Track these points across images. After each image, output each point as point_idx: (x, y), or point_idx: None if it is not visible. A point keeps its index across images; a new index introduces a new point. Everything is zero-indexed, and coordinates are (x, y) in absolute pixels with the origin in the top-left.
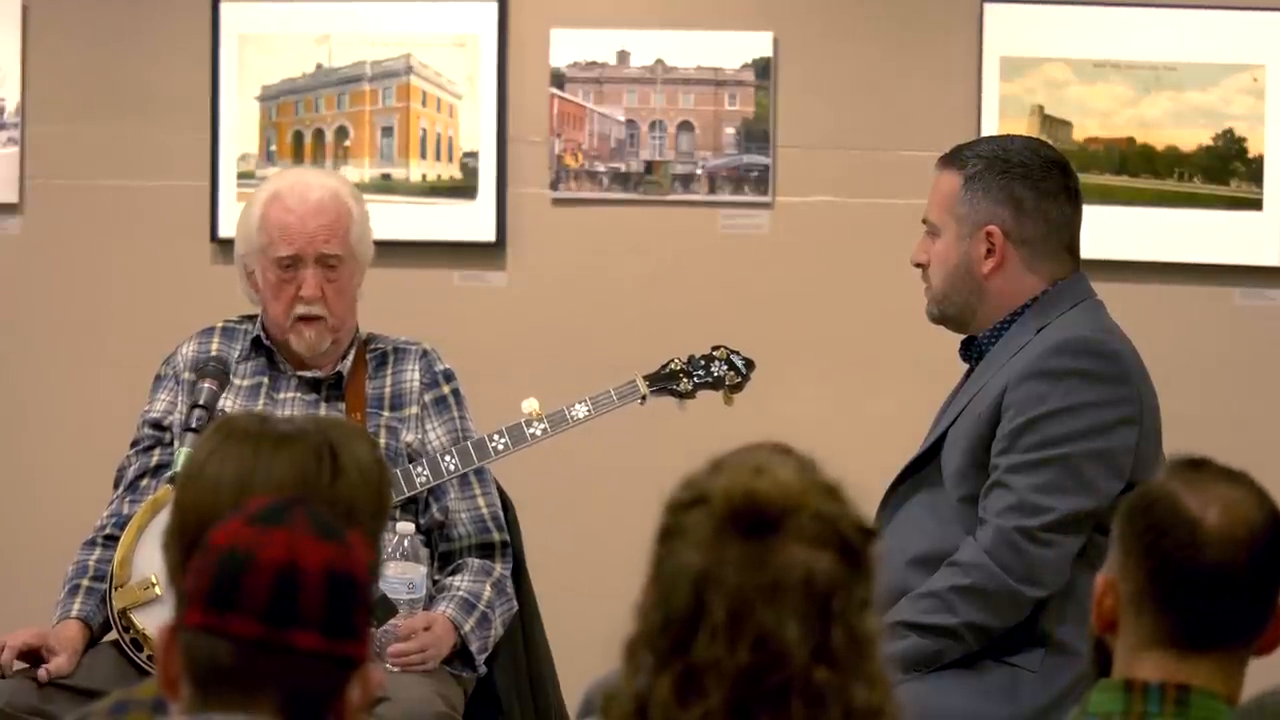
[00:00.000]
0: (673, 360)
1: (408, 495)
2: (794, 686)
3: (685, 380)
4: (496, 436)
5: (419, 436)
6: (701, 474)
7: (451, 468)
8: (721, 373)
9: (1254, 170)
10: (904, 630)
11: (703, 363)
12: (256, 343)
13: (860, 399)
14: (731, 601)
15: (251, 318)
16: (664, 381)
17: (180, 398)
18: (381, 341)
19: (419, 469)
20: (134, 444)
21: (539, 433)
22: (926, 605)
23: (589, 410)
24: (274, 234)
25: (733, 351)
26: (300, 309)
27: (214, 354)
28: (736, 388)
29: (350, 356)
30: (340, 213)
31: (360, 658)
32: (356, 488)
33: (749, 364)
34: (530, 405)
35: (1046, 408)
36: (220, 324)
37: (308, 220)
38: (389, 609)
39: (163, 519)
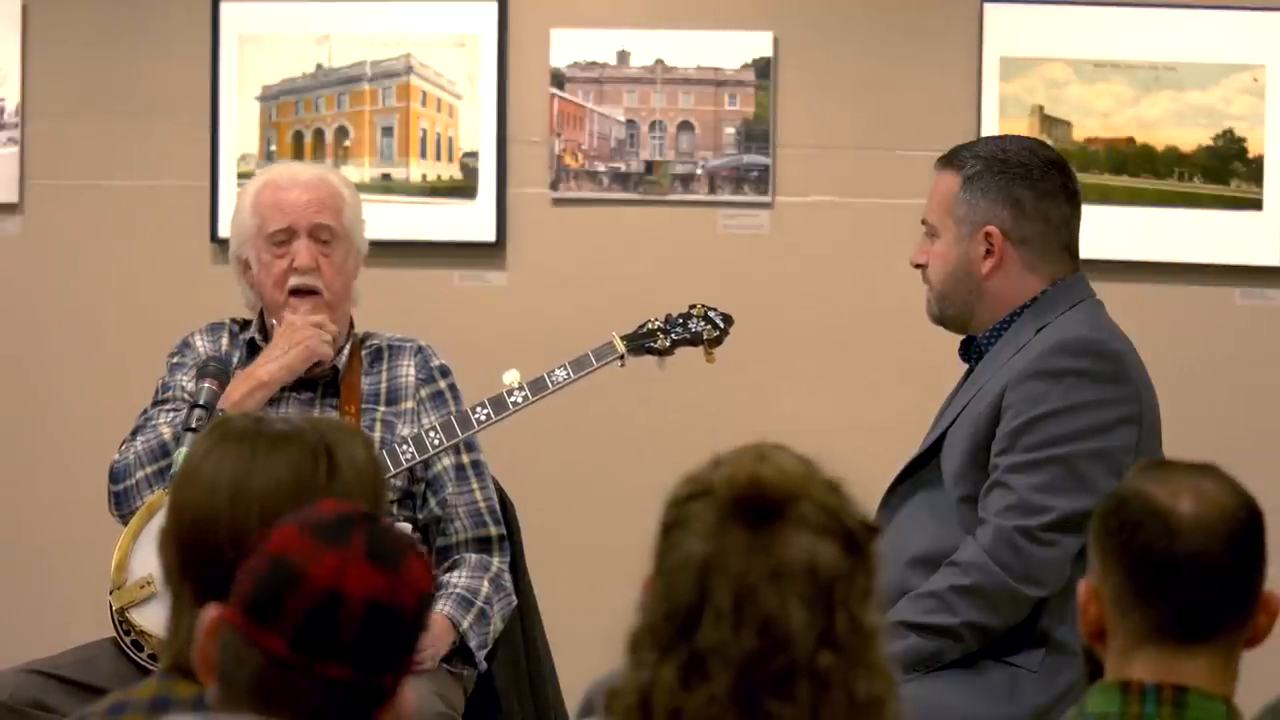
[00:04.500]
0: (650, 320)
1: (395, 473)
2: (799, 670)
3: (662, 337)
4: (479, 408)
5: (415, 431)
6: (703, 469)
7: (436, 442)
8: (699, 329)
9: (1254, 170)
10: (904, 630)
11: (680, 320)
12: (251, 346)
13: (860, 399)
14: (736, 587)
15: (249, 323)
16: (641, 339)
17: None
18: (376, 338)
19: (405, 447)
20: (156, 402)
21: (520, 399)
22: (926, 605)
23: (568, 373)
24: (266, 212)
25: (710, 308)
26: (294, 280)
27: (223, 353)
28: (715, 342)
29: (345, 352)
30: (331, 191)
31: (393, 688)
32: (352, 487)
33: (727, 319)
34: (511, 376)
35: (1046, 407)
36: (228, 322)
37: (300, 195)
38: None
39: (158, 522)
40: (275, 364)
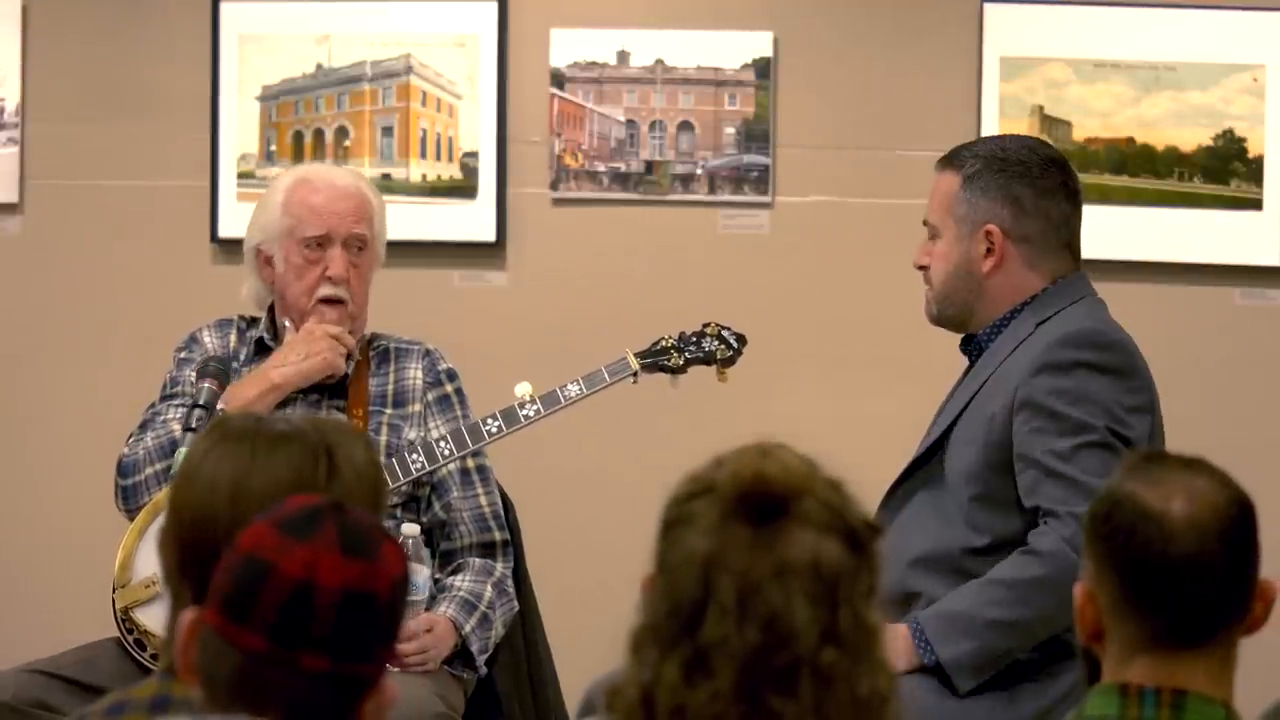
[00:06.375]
0: (664, 337)
1: (404, 481)
2: (802, 666)
3: (676, 355)
4: (490, 420)
5: (421, 434)
6: (705, 468)
7: (447, 452)
8: (713, 348)
9: (1254, 170)
10: (971, 628)
11: (694, 339)
12: (260, 345)
13: (860, 399)
14: (740, 583)
15: (257, 321)
16: (655, 357)
17: None
18: (384, 339)
19: (415, 456)
20: (164, 397)
21: (532, 413)
22: (996, 596)
23: (580, 389)
24: (302, 214)
25: (724, 327)
26: (326, 290)
27: (230, 350)
28: (728, 362)
29: (354, 354)
30: (365, 199)
31: (374, 677)
32: (352, 488)
33: (740, 339)
34: (523, 389)
35: (1062, 398)
36: (236, 318)
37: (336, 201)
38: None
39: (162, 521)
40: (291, 369)
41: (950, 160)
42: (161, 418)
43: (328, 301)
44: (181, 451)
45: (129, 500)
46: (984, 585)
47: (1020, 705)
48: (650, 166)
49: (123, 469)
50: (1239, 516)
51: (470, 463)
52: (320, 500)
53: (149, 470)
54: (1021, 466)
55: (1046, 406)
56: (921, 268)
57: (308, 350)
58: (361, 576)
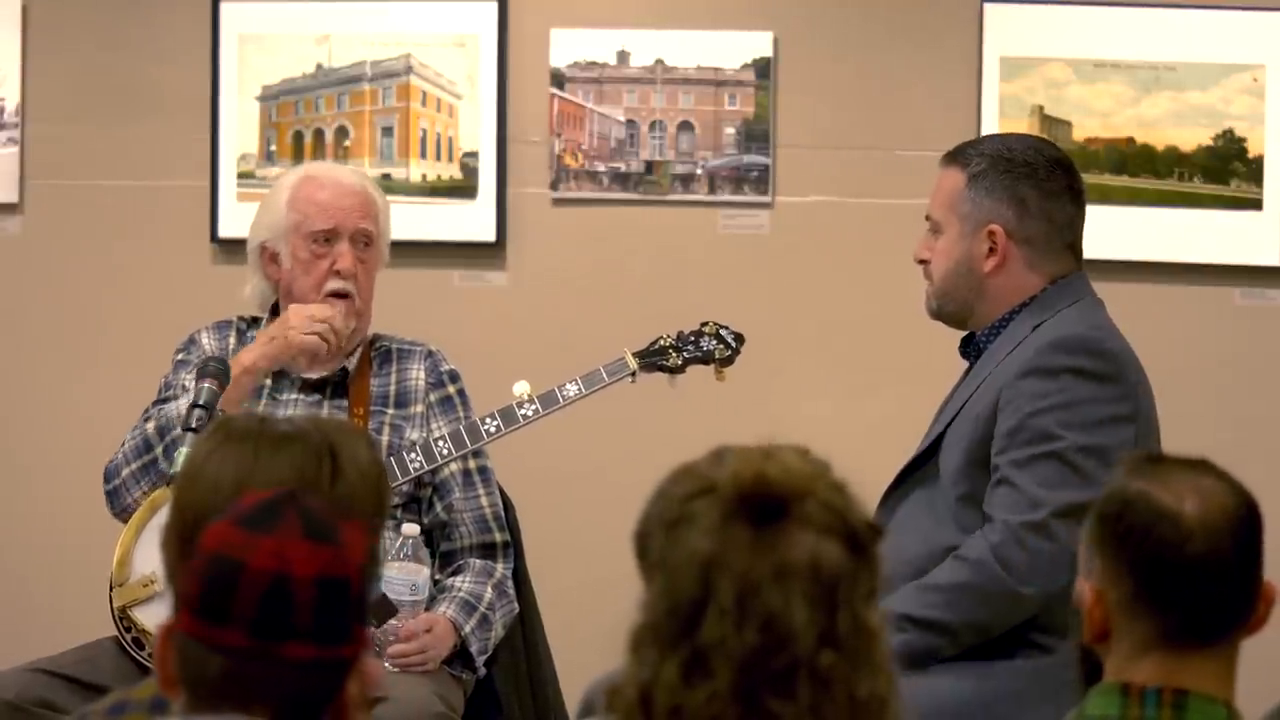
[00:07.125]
0: (662, 336)
1: (403, 481)
2: (800, 669)
3: (674, 355)
4: (489, 419)
5: (423, 435)
6: (704, 464)
7: (445, 452)
8: (711, 347)
9: (1254, 170)
10: (902, 623)
11: (692, 338)
12: None
13: (860, 399)
14: (739, 584)
15: (257, 320)
16: (653, 357)
17: None
18: (386, 340)
19: (413, 455)
20: (157, 401)
21: (530, 413)
22: (928, 599)
23: (579, 389)
24: (309, 210)
25: (721, 326)
26: (335, 284)
27: (229, 352)
28: (726, 361)
29: (356, 354)
30: (370, 197)
31: (355, 657)
32: (355, 488)
33: (739, 338)
34: (522, 388)
35: (1043, 404)
36: (235, 319)
37: (342, 198)
38: (388, 609)
39: (162, 518)
40: (258, 349)
41: (955, 157)
42: (145, 420)
43: (335, 295)
44: (182, 451)
45: (114, 504)
46: (918, 588)
47: (1021, 703)
48: (650, 166)
49: (106, 475)
50: (1248, 517)
51: (472, 464)
52: (274, 492)
53: (126, 471)
54: (990, 470)
55: (1022, 411)
56: (922, 262)
57: (280, 332)
58: (331, 560)
